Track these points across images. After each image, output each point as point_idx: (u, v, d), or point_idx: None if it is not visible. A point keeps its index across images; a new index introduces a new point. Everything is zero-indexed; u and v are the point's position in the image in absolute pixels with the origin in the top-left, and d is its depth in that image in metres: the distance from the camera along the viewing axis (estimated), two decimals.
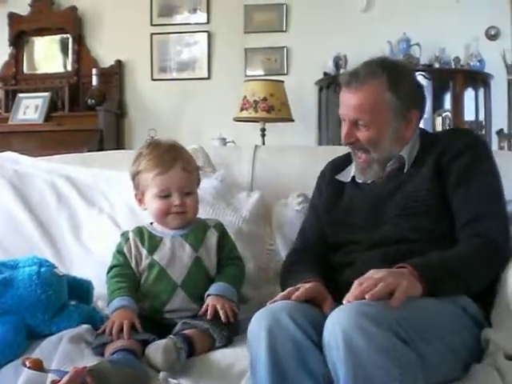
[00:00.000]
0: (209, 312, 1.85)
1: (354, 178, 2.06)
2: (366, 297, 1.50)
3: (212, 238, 2.02)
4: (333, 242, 2.00)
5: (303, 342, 1.53)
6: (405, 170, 1.95)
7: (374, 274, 1.59)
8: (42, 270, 1.91)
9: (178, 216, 1.98)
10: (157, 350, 1.68)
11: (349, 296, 1.54)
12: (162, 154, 1.98)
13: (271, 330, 1.54)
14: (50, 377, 1.59)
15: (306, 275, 1.82)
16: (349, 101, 1.92)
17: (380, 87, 1.89)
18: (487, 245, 1.77)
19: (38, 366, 1.56)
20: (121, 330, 1.79)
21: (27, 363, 1.55)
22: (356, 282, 1.58)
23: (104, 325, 1.84)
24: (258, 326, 1.57)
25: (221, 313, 1.84)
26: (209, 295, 1.91)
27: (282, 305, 1.61)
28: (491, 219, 1.82)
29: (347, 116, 1.93)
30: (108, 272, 2.01)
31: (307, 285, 1.72)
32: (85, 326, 1.90)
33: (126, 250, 2.01)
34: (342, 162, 2.12)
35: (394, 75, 1.91)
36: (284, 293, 1.69)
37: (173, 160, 1.98)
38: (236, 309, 1.90)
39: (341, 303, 1.58)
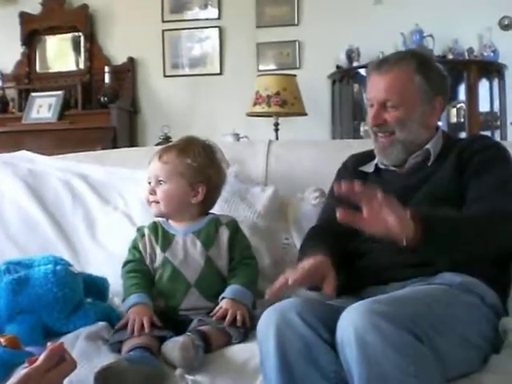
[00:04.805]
0: (217, 314, 1.85)
1: (377, 169, 2.07)
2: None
3: (223, 236, 2.01)
4: (351, 230, 1.97)
5: (313, 340, 1.52)
6: (429, 163, 1.97)
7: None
8: (58, 268, 1.92)
9: (152, 204, 2.03)
10: (174, 347, 1.68)
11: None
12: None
13: (280, 329, 1.53)
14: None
15: (314, 251, 1.82)
16: (378, 83, 1.97)
17: (410, 69, 1.95)
18: (495, 212, 1.77)
19: (13, 343, 1.54)
20: (141, 326, 1.79)
21: (2, 341, 1.54)
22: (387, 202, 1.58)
23: (122, 321, 1.85)
24: (266, 324, 1.57)
25: (237, 318, 1.85)
26: (223, 298, 1.91)
27: (291, 303, 1.60)
28: (500, 198, 1.81)
29: (376, 99, 1.97)
30: (123, 266, 2.02)
31: (304, 265, 1.73)
32: (101, 324, 1.91)
33: (141, 246, 2.02)
34: (366, 157, 2.13)
35: (423, 61, 1.99)
36: (281, 279, 1.69)
37: (159, 150, 2.06)
38: (247, 315, 1.88)
39: (357, 298, 1.57)
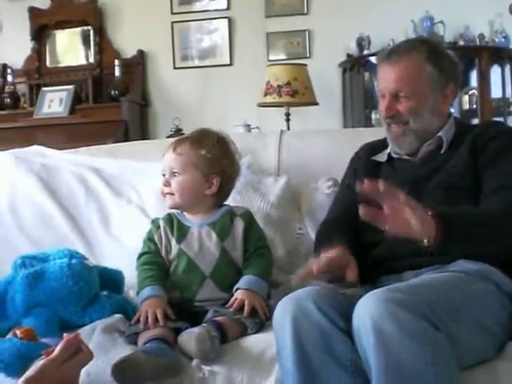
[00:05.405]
0: (234, 305, 1.85)
1: (390, 158, 2.06)
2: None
3: (238, 227, 2.02)
4: (363, 221, 1.97)
5: (329, 329, 1.52)
6: (442, 151, 1.96)
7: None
8: (73, 261, 1.93)
9: (167, 196, 2.03)
10: (190, 338, 1.68)
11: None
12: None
13: (296, 318, 1.53)
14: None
15: (331, 242, 1.82)
16: (389, 74, 1.96)
17: (420, 58, 1.94)
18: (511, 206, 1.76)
19: (30, 335, 1.54)
20: (155, 318, 1.80)
21: (18, 333, 1.53)
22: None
23: (137, 314, 1.85)
24: (282, 314, 1.57)
25: (258, 309, 1.85)
26: (238, 289, 1.91)
27: (307, 292, 1.60)
28: None
29: (387, 89, 1.96)
30: (138, 258, 2.03)
31: (327, 254, 1.73)
32: (117, 316, 1.92)
33: (156, 238, 2.02)
34: (379, 146, 2.12)
35: (433, 49, 1.97)
36: (304, 269, 1.72)
37: (173, 142, 2.06)
38: (264, 304, 1.89)
39: (372, 287, 1.56)
